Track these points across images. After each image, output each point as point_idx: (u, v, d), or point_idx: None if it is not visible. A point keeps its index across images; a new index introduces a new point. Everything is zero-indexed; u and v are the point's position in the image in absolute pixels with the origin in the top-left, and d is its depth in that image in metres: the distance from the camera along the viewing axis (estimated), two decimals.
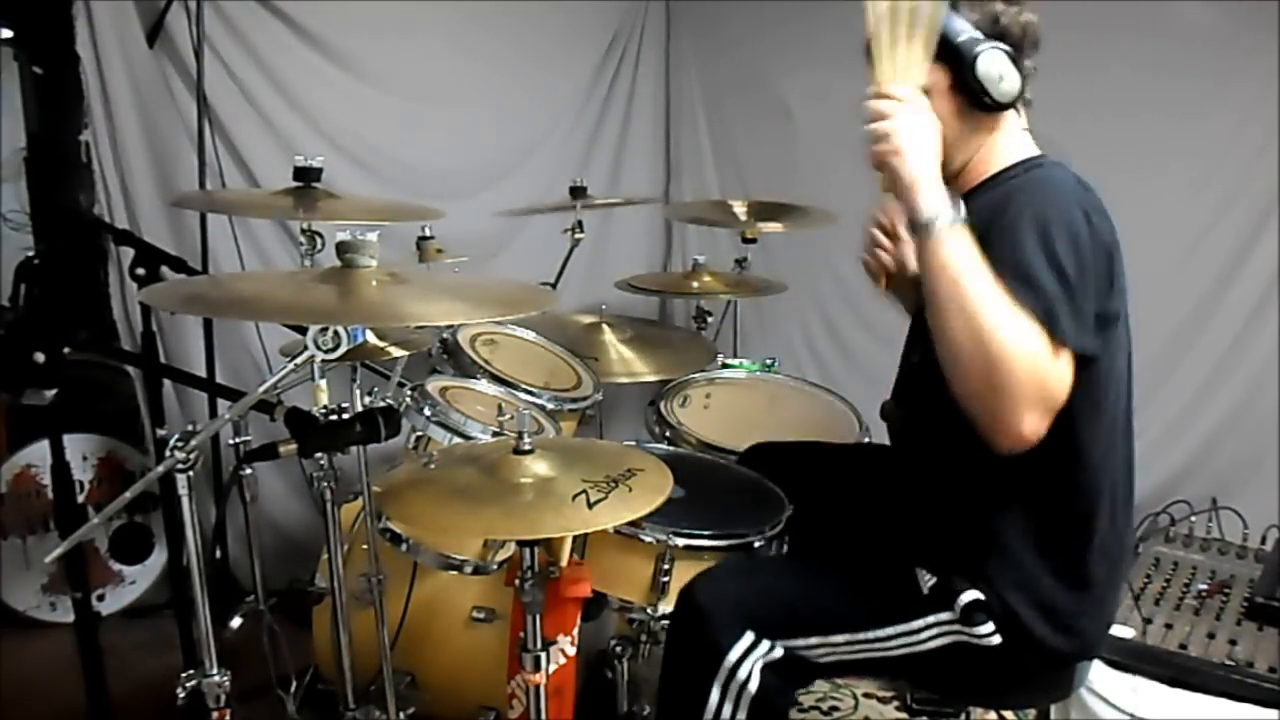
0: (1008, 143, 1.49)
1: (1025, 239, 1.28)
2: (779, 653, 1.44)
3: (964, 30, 1.39)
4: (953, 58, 1.40)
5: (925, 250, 1.29)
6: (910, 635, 1.45)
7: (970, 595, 1.42)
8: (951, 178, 1.52)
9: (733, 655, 1.43)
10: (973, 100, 1.42)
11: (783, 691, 1.46)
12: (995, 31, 1.40)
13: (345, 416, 1.42)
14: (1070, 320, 1.25)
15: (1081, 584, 1.42)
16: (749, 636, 1.43)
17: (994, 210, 1.38)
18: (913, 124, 1.34)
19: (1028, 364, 1.21)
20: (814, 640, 1.46)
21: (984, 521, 1.42)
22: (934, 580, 1.46)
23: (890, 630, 1.45)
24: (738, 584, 1.54)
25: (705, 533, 1.72)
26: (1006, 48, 1.39)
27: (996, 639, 1.41)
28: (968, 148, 1.48)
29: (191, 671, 1.42)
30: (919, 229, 1.30)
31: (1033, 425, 1.23)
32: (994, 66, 1.39)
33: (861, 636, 1.46)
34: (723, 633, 1.44)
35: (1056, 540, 1.40)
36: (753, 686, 1.42)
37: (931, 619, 1.44)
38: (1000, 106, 1.42)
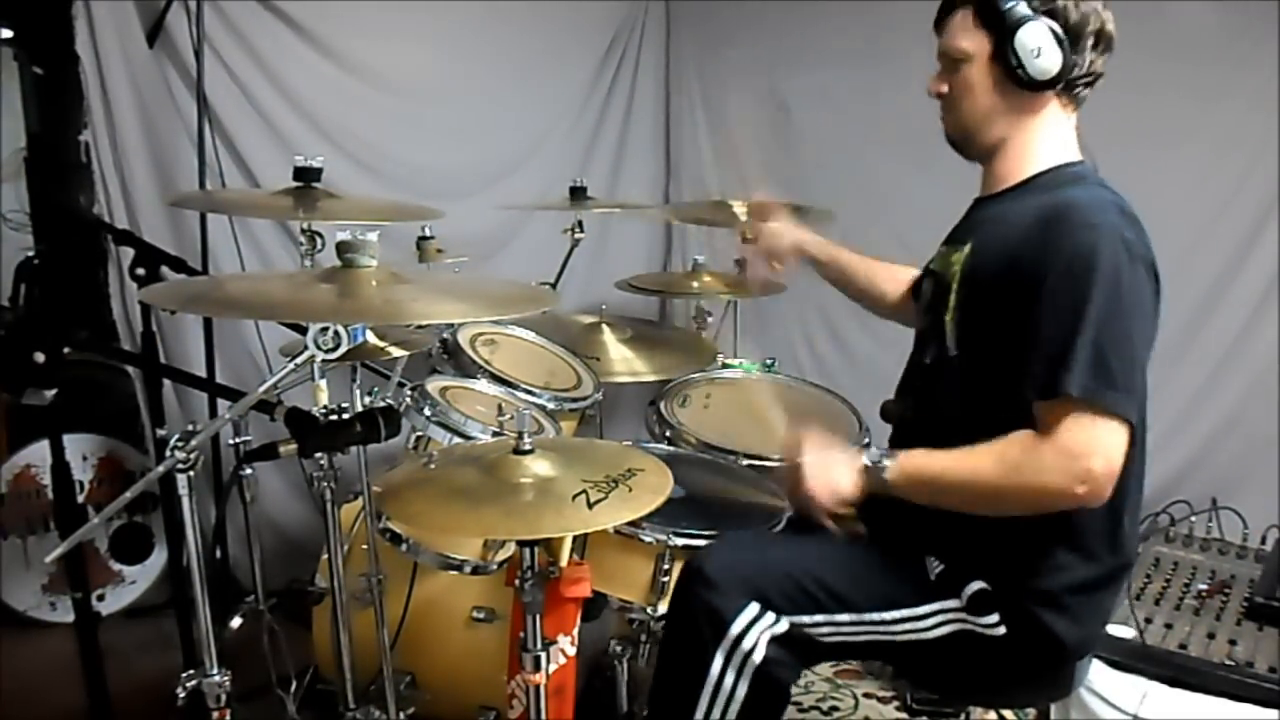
0: (1048, 138, 1.48)
1: (1074, 301, 1.30)
2: (784, 626, 1.44)
3: (1013, 1, 1.39)
4: (996, 26, 1.41)
5: (890, 480, 1.43)
6: (916, 621, 1.45)
7: (977, 585, 1.42)
8: (985, 154, 1.53)
9: (737, 625, 1.42)
10: (1009, 73, 1.42)
11: (787, 665, 1.46)
12: (1047, 9, 1.39)
13: (345, 416, 1.42)
14: (1098, 381, 1.28)
15: (1088, 576, 1.42)
16: (754, 607, 1.43)
17: (1027, 230, 1.38)
18: (812, 472, 1.47)
19: (1029, 466, 1.30)
20: (819, 618, 1.45)
21: (988, 518, 1.41)
22: (942, 568, 1.46)
23: (897, 614, 1.45)
24: (746, 555, 1.53)
25: (705, 533, 1.72)
26: (1054, 25, 1.39)
27: (1001, 630, 1.41)
28: (1002, 124, 1.48)
29: (191, 671, 1.42)
30: (871, 472, 1.44)
31: (1091, 483, 1.28)
32: (1033, 40, 1.39)
33: (867, 618, 1.46)
34: (728, 601, 1.43)
35: (1064, 530, 1.40)
36: (757, 657, 1.42)
37: (938, 605, 1.44)
38: (1035, 84, 1.41)
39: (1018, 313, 1.35)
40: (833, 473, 1.45)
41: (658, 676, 1.57)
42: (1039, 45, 1.39)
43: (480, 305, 1.54)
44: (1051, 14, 1.39)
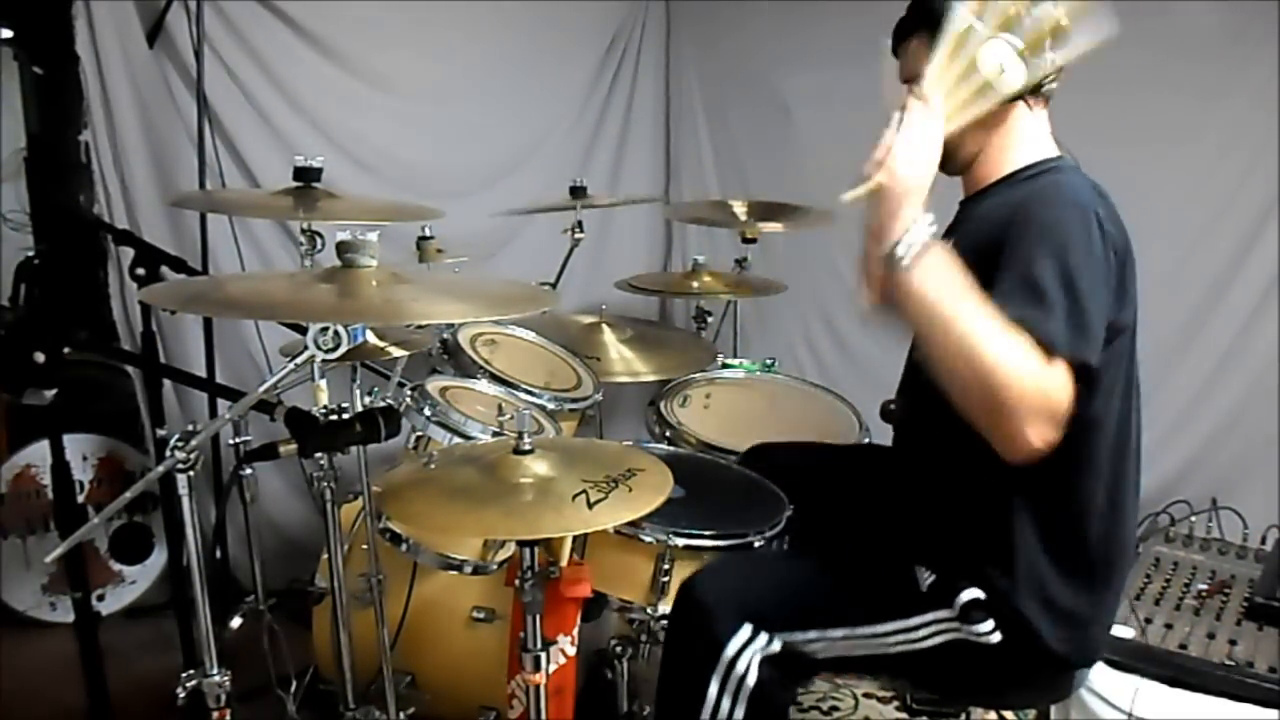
0: (1020, 142, 1.48)
1: (1036, 248, 1.27)
2: (777, 646, 1.44)
3: (966, 19, 1.38)
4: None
5: (903, 277, 1.27)
6: (909, 632, 1.45)
7: (970, 594, 1.42)
8: (960, 170, 1.54)
9: (731, 648, 1.43)
10: None
11: (782, 685, 1.46)
12: (1002, 23, 1.39)
13: (345, 416, 1.42)
14: (1073, 331, 1.23)
15: (1085, 583, 1.42)
16: (747, 629, 1.43)
17: (1006, 214, 1.38)
18: (925, 135, 1.35)
19: (1024, 381, 1.19)
20: (812, 634, 1.46)
21: (987, 519, 1.42)
22: (933, 578, 1.46)
23: (889, 626, 1.45)
24: (737, 577, 1.54)
25: (705, 533, 1.72)
26: (1012, 39, 1.39)
27: (996, 637, 1.41)
28: (976, 138, 1.48)
29: (191, 671, 1.42)
30: (892, 254, 1.28)
31: (1040, 437, 1.20)
32: (994, 58, 1.39)
33: (860, 632, 1.46)
34: (721, 625, 1.44)
35: (1060, 539, 1.40)
36: (751, 680, 1.42)
37: (930, 616, 1.44)
38: (1003, 99, 1.42)
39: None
40: (917, 173, 1.32)
41: (658, 705, 1.57)
42: (1000, 63, 1.39)
43: (480, 305, 1.53)
44: (1005, 28, 1.39)
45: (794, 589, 1.48)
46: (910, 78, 1.51)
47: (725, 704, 1.42)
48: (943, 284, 1.25)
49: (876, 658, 1.48)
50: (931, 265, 1.26)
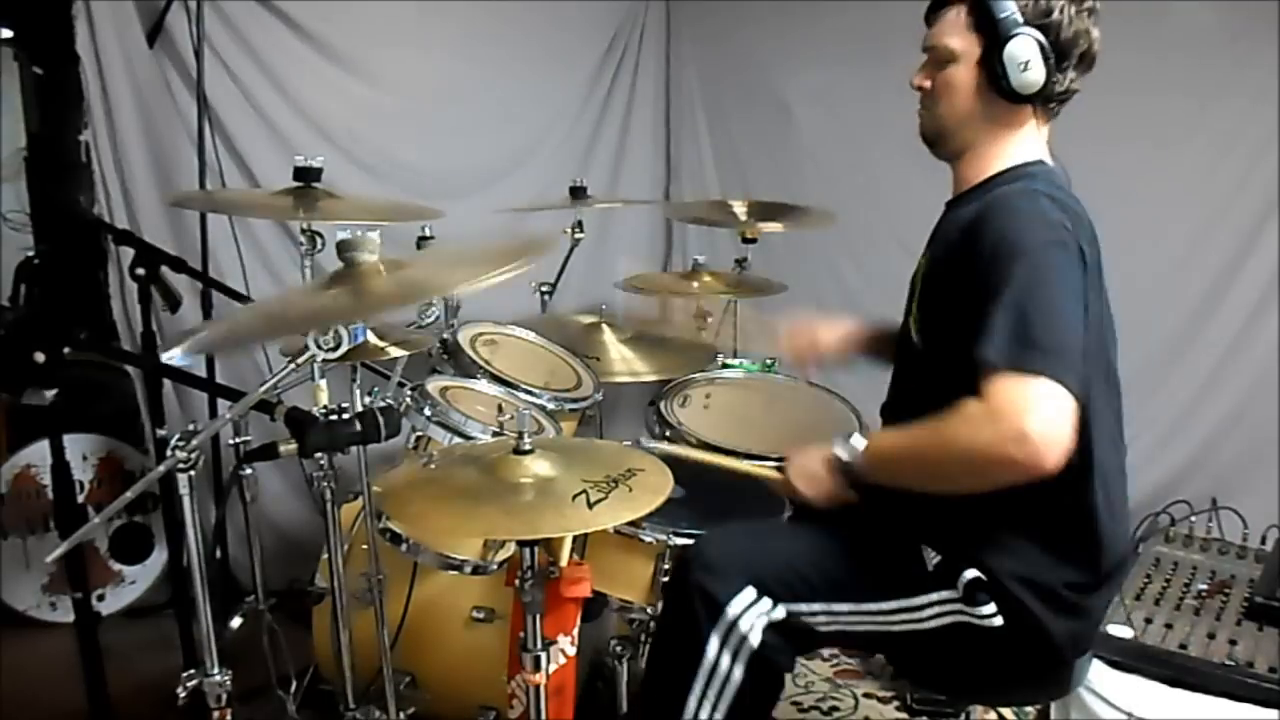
0: (1015, 145, 1.48)
1: (990, 272, 1.31)
2: (781, 614, 1.44)
3: (1009, 9, 1.39)
4: (989, 31, 1.41)
5: (863, 473, 1.44)
6: (913, 611, 1.45)
7: (971, 573, 1.42)
8: (953, 156, 1.53)
9: (734, 608, 1.42)
10: (992, 81, 1.42)
11: (784, 651, 1.46)
12: (1041, 23, 1.40)
13: (345, 416, 1.42)
14: (1015, 346, 1.25)
15: (1082, 568, 1.42)
16: (751, 591, 1.43)
17: (966, 226, 1.40)
18: (796, 475, 1.52)
19: (976, 437, 1.25)
20: (817, 606, 1.46)
21: (981, 510, 1.41)
22: (939, 558, 1.46)
23: (894, 604, 1.45)
24: (746, 541, 1.54)
25: (705, 533, 1.72)
26: (1044, 40, 1.39)
27: (998, 620, 1.41)
28: (975, 129, 1.48)
29: (192, 671, 1.42)
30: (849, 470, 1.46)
31: (1037, 457, 1.21)
32: (1023, 53, 1.39)
33: (865, 607, 1.46)
34: (725, 584, 1.44)
35: (1053, 528, 1.41)
36: (754, 641, 1.42)
37: (935, 596, 1.44)
38: (1015, 96, 1.42)
39: (959, 303, 1.36)
40: (813, 473, 1.49)
41: (651, 658, 1.57)
42: (1027, 59, 1.39)
43: (488, 262, 1.51)
44: (1045, 29, 1.39)
45: (802, 559, 1.48)
46: (931, 47, 1.50)
47: (725, 661, 1.42)
48: (878, 446, 1.44)
49: (880, 635, 1.48)
50: (868, 446, 1.44)
